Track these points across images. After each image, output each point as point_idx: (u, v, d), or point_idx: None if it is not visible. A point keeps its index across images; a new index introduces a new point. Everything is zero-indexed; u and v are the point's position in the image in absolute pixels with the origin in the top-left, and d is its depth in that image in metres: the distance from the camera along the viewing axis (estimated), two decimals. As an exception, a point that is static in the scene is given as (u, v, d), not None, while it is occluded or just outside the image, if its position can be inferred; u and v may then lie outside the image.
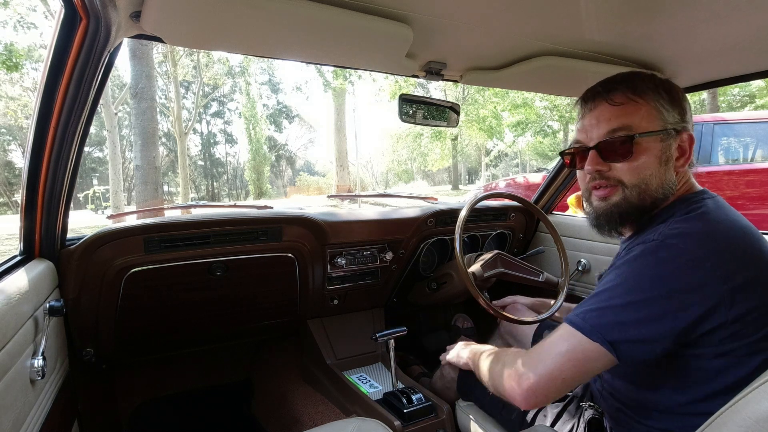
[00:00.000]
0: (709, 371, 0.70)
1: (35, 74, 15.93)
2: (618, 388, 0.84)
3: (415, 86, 10.90)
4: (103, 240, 1.20)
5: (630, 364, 0.70)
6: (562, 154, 0.93)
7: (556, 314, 1.32)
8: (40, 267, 1.00)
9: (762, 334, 0.67)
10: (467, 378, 1.20)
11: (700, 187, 0.82)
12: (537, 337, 1.29)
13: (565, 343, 0.71)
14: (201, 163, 28.27)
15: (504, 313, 1.28)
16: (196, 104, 19.30)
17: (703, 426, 0.62)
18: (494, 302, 1.45)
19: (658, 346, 0.67)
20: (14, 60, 7.20)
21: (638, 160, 0.77)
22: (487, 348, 1.02)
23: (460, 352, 1.15)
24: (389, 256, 1.69)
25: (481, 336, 1.93)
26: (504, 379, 0.78)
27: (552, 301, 1.37)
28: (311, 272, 1.57)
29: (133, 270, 1.27)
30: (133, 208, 9.64)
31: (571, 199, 2.36)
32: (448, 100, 1.44)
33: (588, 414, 0.94)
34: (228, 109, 28.06)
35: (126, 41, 0.95)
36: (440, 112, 1.40)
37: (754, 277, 0.67)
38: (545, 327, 1.29)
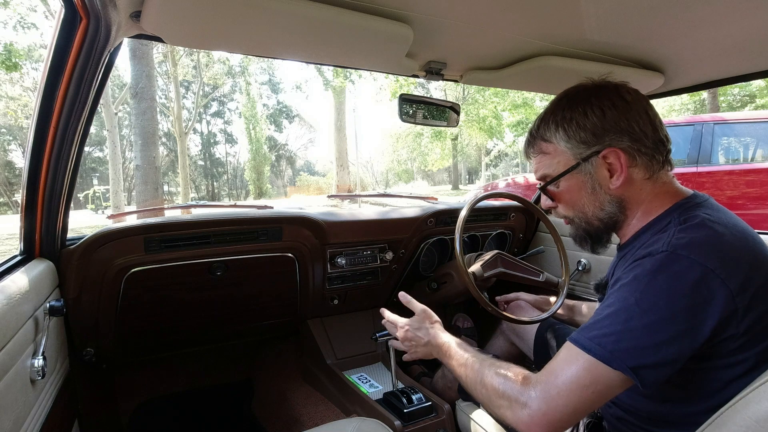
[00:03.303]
0: (716, 383, 0.69)
1: (35, 74, 15.94)
2: (620, 397, 0.83)
3: (415, 86, 10.89)
4: (104, 240, 1.20)
5: (652, 387, 0.65)
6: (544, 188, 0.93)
7: (559, 312, 1.32)
8: (40, 267, 1.00)
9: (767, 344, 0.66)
10: None
11: (688, 191, 0.80)
12: (539, 336, 1.29)
13: (582, 371, 0.66)
14: (201, 163, 28.30)
15: (504, 312, 1.28)
16: (196, 104, 19.33)
17: (703, 426, 0.63)
18: (498, 297, 1.45)
19: (678, 365, 0.65)
20: (14, 60, 7.19)
21: (566, 198, 0.84)
22: (459, 349, 0.90)
23: (416, 342, 0.99)
24: (389, 255, 1.69)
25: (482, 336, 1.93)
26: (512, 411, 0.71)
27: (554, 299, 1.38)
28: (311, 272, 1.57)
29: (133, 270, 1.27)
30: (133, 208, 9.64)
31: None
32: (448, 99, 1.44)
33: (587, 417, 0.94)
34: (228, 108, 28.12)
35: (126, 41, 0.95)
36: (440, 112, 1.40)
37: (763, 283, 0.66)
38: (547, 326, 1.29)
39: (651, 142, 0.77)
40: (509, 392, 0.72)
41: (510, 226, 1.96)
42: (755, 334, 0.66)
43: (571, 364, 0.67)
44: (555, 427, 0.67)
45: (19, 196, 2.52)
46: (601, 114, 0.77)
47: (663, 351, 0.64)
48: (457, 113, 1.42)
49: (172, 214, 1.46)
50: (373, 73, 8.99)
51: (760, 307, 0.65)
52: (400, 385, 1.43)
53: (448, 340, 0.94)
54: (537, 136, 0.85)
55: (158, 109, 10.12)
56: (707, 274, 0.64)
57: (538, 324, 1.30)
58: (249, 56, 8.74)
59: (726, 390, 0.68)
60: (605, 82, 0.82)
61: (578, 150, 0.79)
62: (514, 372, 0.75)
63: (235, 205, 1.61)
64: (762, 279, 0.67)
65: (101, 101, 1.12)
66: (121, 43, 0.86)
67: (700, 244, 0.67)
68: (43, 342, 0.89)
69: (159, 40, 0.87)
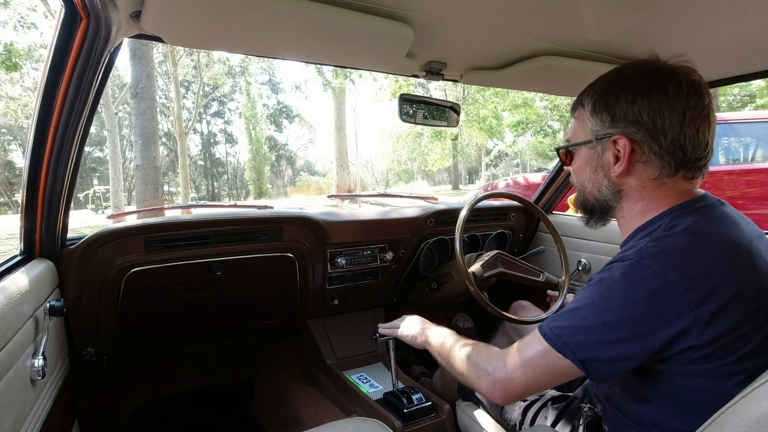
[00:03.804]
0: (687, 389, 0.69)
1: (35, 74, 15.94)
2: (614, 396, 0.85)
3: (415, 86, 10.88)
4: (104, 240, 1.20)
5: (602, 380, 0.72)
6: (558, 149, 0.94)
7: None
8: (40, 267, 1.00)
9: (737, 357, 0.65)
10: None
11: (698, 192, 0.78)
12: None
13: (539, 354, 0.74)
14: (201, 163, 28.29)
15: (504, 312, 1.28)
16: (196, 104, 19.33)
17: (703, 426, 0.62)
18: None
19: (629, 363, 0.68)
20: (14, 60, 7.19)
21: (573, 166, 0.88)
22: (445, 333, 1.01)
23: (413, 329, 1.11)
24: (389, 255, 1.69)
25: (482, 336, 1.93)
26: (479, 380, 0.82)
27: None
28: (311, 272, 1.57)
29: (133, 270, 1.27)
30: (133, 207, 9.64)
31: (571, 199, 2.36)
32: (448, 99, 1.44)
33: (588, 416, 0.94)
34: (228, 108, 28.11)
35: (126, 41, 0.95)
36: (440, 112, 1.40)
37: (732, 296, 0.64)
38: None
39: (668, 144, 0.73)
40: (479, 362, 0.83)
41: (510, 226, 1.96)
42: (719, 348, 0.65)
43: (531, 346, 0.76)
44: (513, 395, 0.78)
45: (19, 196, 2.52)
46: (632, 100, 0.74)
47: (612, 349, 0.68)
48: (457, 113, 1.42)
49: (172, 214, 1.46)
50: (373, 73, 9.00)
51: (726, 321, 0.64)
52: (400, 385, 1.43)
53: (431, 324, 1.09)
54: (579, 101, 0.85)
55: (158, 109, 10.12)
56: (664, 285, 0.64)
57: (539, 324, 1.30)
58: (249, 56, 8.74)
59: (697, 398, 0.68)
60: (664, 67, 0.76)
61: (596, 127, 0.80)
62: (485, 347, 0.87)
63: (235, 205, 1.61)
64: (733, 292, 0.64)
65: (101, 101, 1.12)
66: (121, 43, 0.86)
67: (668, 255, 0.67)
68: (43, 342, 0.89)
69: (159, 40, 0.87)
